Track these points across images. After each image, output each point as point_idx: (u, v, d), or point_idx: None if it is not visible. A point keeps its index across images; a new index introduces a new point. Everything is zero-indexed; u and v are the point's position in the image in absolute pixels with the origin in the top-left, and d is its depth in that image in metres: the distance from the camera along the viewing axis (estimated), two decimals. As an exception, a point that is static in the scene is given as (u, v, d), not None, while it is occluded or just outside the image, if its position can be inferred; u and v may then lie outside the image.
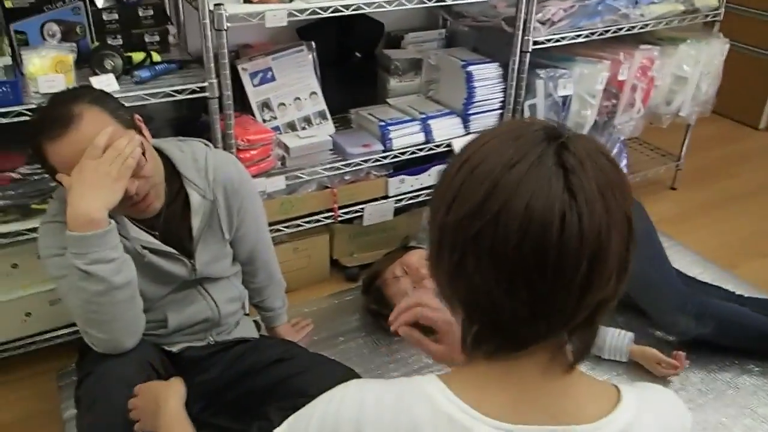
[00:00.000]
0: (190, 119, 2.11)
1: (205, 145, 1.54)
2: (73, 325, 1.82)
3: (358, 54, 2.41)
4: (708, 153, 3.22)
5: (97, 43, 1.77)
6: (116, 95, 1.63)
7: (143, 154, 1.33)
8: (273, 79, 2.09)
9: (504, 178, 0.62)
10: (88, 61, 1.69)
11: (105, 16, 1.82)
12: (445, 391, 0.67)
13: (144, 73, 1.71)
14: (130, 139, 1.29)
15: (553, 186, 0.62)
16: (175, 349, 1.55)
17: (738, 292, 2.11)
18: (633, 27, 2.37)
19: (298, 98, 2.14)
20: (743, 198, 2.92)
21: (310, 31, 2.27)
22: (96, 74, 1.66)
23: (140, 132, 1.36)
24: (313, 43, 2.18)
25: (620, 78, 2.38)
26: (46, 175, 1.66)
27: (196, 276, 1.52)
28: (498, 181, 0.63)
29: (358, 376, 1.63)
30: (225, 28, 1.69)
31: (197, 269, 1.51)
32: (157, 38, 1.90)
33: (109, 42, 1.81)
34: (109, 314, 1.32)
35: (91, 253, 1.26)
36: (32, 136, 1.29)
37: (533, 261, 0.61)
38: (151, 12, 1.88)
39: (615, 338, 1.87)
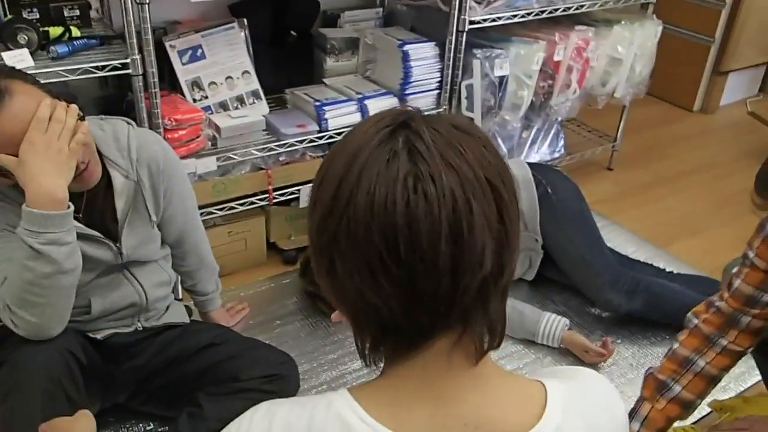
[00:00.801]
0: (116, 98, 2.03)
1: (128, 123, 1.48)
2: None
3: (293, 33, 2.37)
4: (644, 134, 3.29)
5: (10, 16, 1.68)
6: (31, 71, 1.55)
7: (81, 119, 1.27)
8: (203, 57, 2.02)
9: (348, 172, 0.59)
10: (-1, 36, 1.60)
11: (20, -11, 1.72)
12: (358, 410, 0.62)
13: (61, 49, 1.63)
14: (68, 109, 1.23)
15: (392, 168, 0.57)
16: (100, 336, 1.50)
17: (669, 269, 2.17)
18: (569, 8, 2.39)
19: (230, 77, 2.08)
20: (677, 178, 2.99)
21: (242, 8, 2.21)
22: (9, 49, 1.58)
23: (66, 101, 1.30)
24: (245, 20, 2.12)
25: (556, 59, 2.40)
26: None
27: (122, 260, 1.46)
28: (342, 177, 0.59)
29: (291, 360, 1.61)
30: (147, 1, 1.62)
31: (123, 253, 1.45)
32: (77, 12, 1.81)
33: (24, 16, 1.72)
34: (47, 298, 1.26)
35: (49, 234, 1.21)
36: None
37: (386, 250, 0.57)
38: (71, -16, 1.79)
39: (549, 324, 1.89)
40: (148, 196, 1.47)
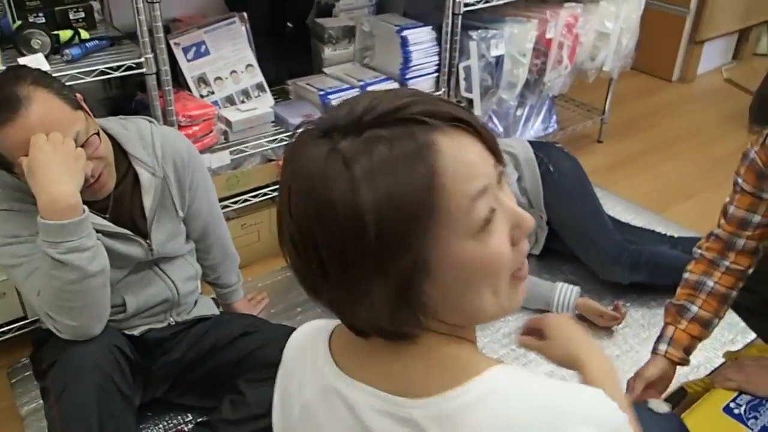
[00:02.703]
0: (123, 98, 2.04)
1: (149, 122, 1.50)
2: (21, 319, 1.75)
3: (289, 24, 2.39)
4: (628, 106, 3.38)
5: (19, 22, 1.68)
6: (49, 75, 1.57)
7: (97, 134, 1.29)
8: (207, 52, 2.04)
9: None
10: (12, 41, 1.60)
11: (25, -7, 1.72)
12: (325, 345, 0.73)
13: (75, 51, 1.64)
14: (79, 121, 1.26)
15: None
16: (136, 332, 1.52)
17: (669, 233, 2.25)
18: (557, -15, 2.45)
19: (235, 71, 2.10)
20: (665, 146, 3.09)
21: (239, 1, 2.22)
22: (23, 54, 1.58)
23: (86, 111, 1.32)
24: (245, 14, 2.13)
25: (548, 36, 2.46)
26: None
27: (153, 256, 1.49)
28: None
29: None
30: (158, 0, 1.64)
31: (154, 249, 1.48)
32: (82, 14, 1.81)
33: (31, 20, 1.72)
34: (81, 301, 1.28)
35: (67, 242, 1.22)
36: None
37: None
38: (74, -13, 1.79)
39: (562, 293, 1.96)
40: (175, 192, 1.50)
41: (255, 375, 1.52)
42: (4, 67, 1.53)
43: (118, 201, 1.43)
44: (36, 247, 1.28)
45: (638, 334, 1.95)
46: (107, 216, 1.41)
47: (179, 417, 1.68)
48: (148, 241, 1.47)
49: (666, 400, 1.55)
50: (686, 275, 1.50)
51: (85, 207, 1.25)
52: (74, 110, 1.27)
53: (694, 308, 1.46)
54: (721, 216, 1.46)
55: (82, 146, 1.27)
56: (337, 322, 0.72)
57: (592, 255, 2.07)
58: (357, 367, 0.68)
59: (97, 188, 1.34)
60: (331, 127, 0.61)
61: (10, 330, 1.75)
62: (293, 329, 1.55)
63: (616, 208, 2.49)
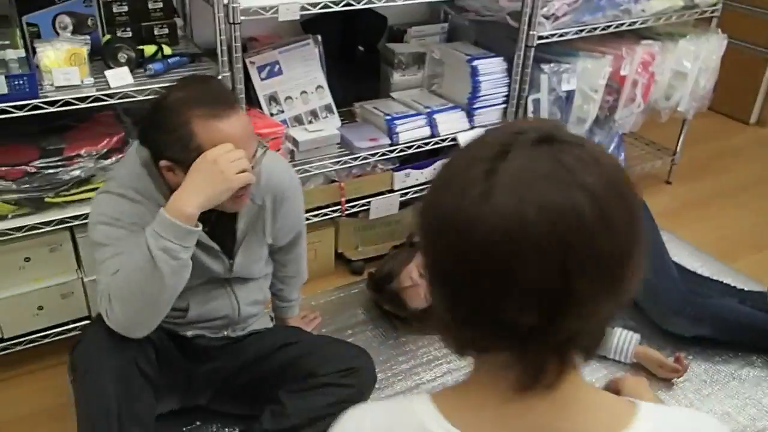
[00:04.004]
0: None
1: (263, 146, 1.46)
2: (85, 318, 1.82)
3: (361, 48, 2.42)
4: (701, 147, 3.27)
5: (108, 36, 1.76)
6: (131, 89, 1.64)
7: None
8: (280, 72, 2.09)
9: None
10: (100, 54, 1.68)
11: (115, 9, 1.81)
12: (436, 415, 0.65)
13: (157, 66, 1.71)
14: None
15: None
16: (188, 334, 1.56)
17: (738, 286, 2.16)
18: (634, 22, 2.41)
19: (305, 92, 2.15)
20: (737, 192, 2.97)
21: (314, 24, 2.27)
22: (110, 67, 1.66)
23: None
24: (319, 37, 2.18)
25: (622, 73, 2.41)
26: (60, 168, 1.67)
27: (231, 275, 1.53)
28: None
29: (365, 353, 1.63)
30: (239, 21, 1.69)
31: (234, 269, 1.52)
32: (166, 31, 1.89)
33: (119, 35, 1.80)
34: (143, 303, 1.31)
35: (168, 241, 1.26)
36: (176, 110, 1.27)
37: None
38: (160, 4, 1.87)
39: (621, 339, 1.89)
40: (268, 219, 1.54)
41: (295, 385, 1.54)
42: (92, 80, 1.61)
43: (218, 219, 1.46)
44: (129, 236, 1.33)
45: (699, 390, 1.87)
46: (206, 229, 1.43)
47: (227, 429, 1.70)
48: (231, 261, 1.51)
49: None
50: None
51: (199, 224, 1.30)
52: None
53: None
54: None
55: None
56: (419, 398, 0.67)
57: (653, 305, 1.99)
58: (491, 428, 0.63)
59: (239, 203, 1.39)
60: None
61: (75, 328, 1.82)
62: (334, 339, 1.54)
63: (682, 253, 2.40)
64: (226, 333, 1.61)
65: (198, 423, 1.69)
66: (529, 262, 0.56)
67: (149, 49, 1.76)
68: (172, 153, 1.29)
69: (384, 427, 0.67)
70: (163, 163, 1.31)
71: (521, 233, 0.56)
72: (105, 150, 1.72)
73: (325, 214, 2.16)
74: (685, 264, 2.27)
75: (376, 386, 1.85)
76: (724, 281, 2.19)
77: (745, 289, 2.14)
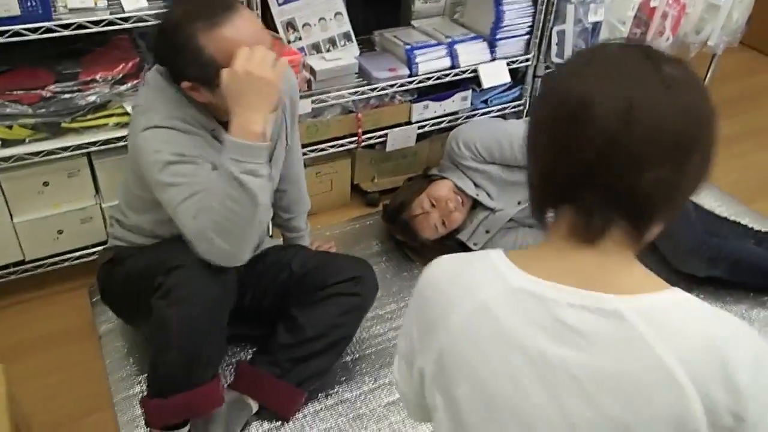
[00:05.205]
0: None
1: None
2: (105, 242, 1.85)
3: (382, -28, 2.34)
4: (729, 84, 3.16)
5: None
6: (146, 12, 1.61)
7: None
8: (298, -3, 2.03)
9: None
10: (114, -25, 1.63)
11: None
12: (503, 258, 0.79)
13: (170, -8, 1.66)
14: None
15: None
16: None
17: (756, 228, 2.14)
18: (669, -50, 2.29)
19: (323, 18, 2.09)
20: (763, 132, 2.89)
21: (334, -53, 2.18)
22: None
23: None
24: (339, -39, 2.10)
25: (652, 5, 2.31)
26: (76, 93, 1.66)
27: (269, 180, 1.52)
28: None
29: (366, 263, 1.66)
30: (255, -57, 1.63)
31: (272, 177, 1.52)
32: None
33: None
34: (243, 227, 1.30)
35: (249, 163, 1.26)
36: (180, 27, 1.25)
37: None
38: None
39: None
40: (289, 122, 1.56)
41: (305, 298, 1.57)
42: (106, 2, 1.57)
43: None
44: (198, 169, 1.31)
45: (708, 329, 1.88)
46: None
47: (245, 350, 1.75)
48: (270, 168, 1.48)
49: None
50: None
51: (267, 137, 1.30)
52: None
53: None
54: None
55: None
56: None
57: (668, 244, 1.99)
58: (550, 271, 0.75)
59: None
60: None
61: (95, 252, 1.85)
62: (336, 254, 1.62)
63: (701, 194, 2.37)
64: None
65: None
66: (598, 108, 0.70)
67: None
68: (189, 72, 1.28)
69: (459, 265, 0.82)
70: (184, 84, 1.30)
71: (598, 86, 0.71)
72: (120, 75, 1.70)
73: (342, 146, 2.14)
74: (704, 204, 2.25)
75: (389, 316, 1.90)
76: (742, 222, 2.17)
77: (763, 230, 2.12)
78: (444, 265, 0.84)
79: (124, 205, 1.56)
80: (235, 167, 1.25)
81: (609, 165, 0.70)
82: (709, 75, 2.82)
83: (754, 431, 0.70)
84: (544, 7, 2.19)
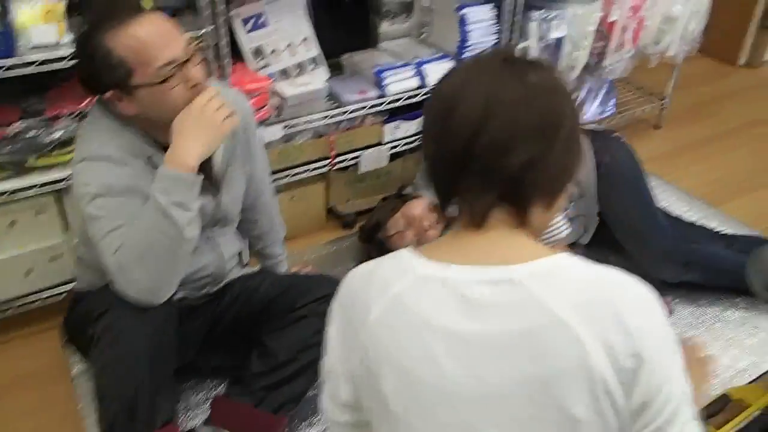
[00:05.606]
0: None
1: (217, 83, 1.53)
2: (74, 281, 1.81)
3: (347, -4, 2.35)
4: (690, 91, 3.25)
5: (84, -9, 1.69)
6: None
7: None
8: (266, 24, 2.03)
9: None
10: (77, 10, 1.62)
11: (89, -40, 1.73)
12: (411, 250, 0.85)
13: (136, 22, 1.64)
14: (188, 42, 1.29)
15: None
16: (175, 297, 1.54)
17: (724, 231, 2.18)
18: (625, -35, 2.35)
19: (291, 44, 2.09)
20: (727, 135, 2.97)
21: (298, -28, 2.19)
22: (87, 23, 1.59)
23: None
24: (305, -14, 2.11)
25: (611, 19, 2.37)
26: (42, 130, 1.63)
27: (220, 213, 1.51)
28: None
29: (337, 281, 1.63)
30: (220, -28, 1.63)
31: (223, 204, 1.50)
32: (144, -17, 1.82)
33: (95, -12, 1.73)
34: (166, 261, 1.28)
35: (179, 195, 1.25)
36: (89, 35, 1.24)
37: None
38: (137, -45, 1.79)
39: None
40: (242, 149, 1.53)
41: (275, 324, 1.55)
42: (72, 36, 1.55)
43: None
44: (126, 203, 1.29)
45: (685, 333, 1.90)
46: None
47: (214, 383, 1.71)
48: (218, 195, 1.48)
49: (708, 405, 1.53)
50: None
51: (200, 174, 1.29)
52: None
53: None
54: None
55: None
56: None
57: (641, 251, 2.01)
58: (449, 256, 0.81)
59: None
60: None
61: (64, 291, 1.81)
62: (305, 275, 1.68)
63: (670, 199, 2.42)
64: (206, 290, 1.60)
65: (193, 380, 1.70)
66: (461, 103, 0.78)
67: (127, 3, 1.69)
68: (105, 78, 1.26)
69: (371, 268, 0.87)
70: (107, 95, 1.28)
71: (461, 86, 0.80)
72: (86, 110, 1.68)
73: (315, 169, 2.14)
74: (674, 209, 2.29)
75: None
76: (711, 226, 2.22)
77: (731, 233, 2.17)
78: (357, 271, 0.90)
79: (80, 240, 1.52)
80: (164, 198, 1.24)
81: (476, 154, 0.78)
82: (671, 83, 2.89)
83: (652, 368, 0.75)
84: (508, 25, 2.23)
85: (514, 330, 0.76)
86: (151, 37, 1.23)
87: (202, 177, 1.29)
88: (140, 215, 1.27)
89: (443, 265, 0.81)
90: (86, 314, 1.38)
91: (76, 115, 1.67)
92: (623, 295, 0.77)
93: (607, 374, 0.74)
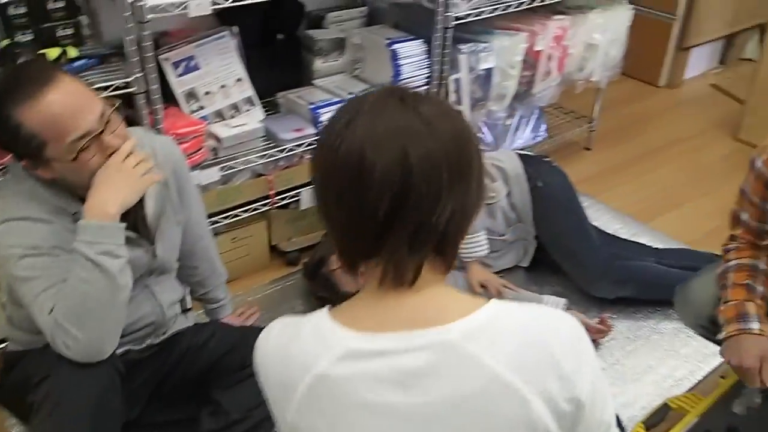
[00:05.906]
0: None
1: (145, 131, 1.52)
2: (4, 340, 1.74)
3: (280, 36, 2.38)
4: (616, 112, 3.40)
5: (6, 41, 1.66)
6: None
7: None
8: (197, 67, 2.03)
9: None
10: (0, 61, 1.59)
11: (11, 11, 1.70)
12: (325, 315, 0.80)
13: (63, 72, 1.63)
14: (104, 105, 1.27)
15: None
16: (117, 352, 1.51)
17: (655, 245, 2.28)
18: (546, -3, 2.46)
19: (224, 85, 2.10)
20: (653, 153, 3.11)
21: (229, 12, 2.20)
22: (11, 75, 1.57)
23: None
24: (236, 28, 2.13)
25: (537, 48, 2.47)
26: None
27: (155, 264, 1.48)
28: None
29: None
30: (147, 19, 1.63)
31: (158, 254, 1.47)
32: (70, 31, 1.80)
33: (18, 39, 1.70)
34: (103, 313, 1.25)
35: (104, 244, 1.23)
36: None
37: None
38: (62, 3, 1.77)
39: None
40: (174, 198, 1.51)
41: (226, 381, 1.53)
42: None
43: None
44: (55, 262, 1.26)
45: (623, 347, 1.98)
46: None
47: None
48: (152, 246, 1.46)
49: (649, 417, 1.58)
50: (737, 261, 1.46)
51: (124, 223, 1.28)
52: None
53: (760, 288, 1.43)
54: (734, 223, 1.47)
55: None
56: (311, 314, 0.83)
57: (577, 271, 2.10)
58: (374, 323, 0.77)
59: None
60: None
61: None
62: (258, 329, 1.63)
63: (603, 217, 2.52)
64: (149, 342, 1.57)
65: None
66: (377, 165, 0.72)
67: (52, 53, 1.67)
68: (17, 150, 1.25)
69: (287, 340, 0.81)
70: (23, 163, 1.27)
71: (370, 144, 0.73)
72: (8, 165, 1.63)
73: (256, 209, 2.14)
74: (606, 227, 2.38)
75: (320, 376, 1.87)
76: (643, 241, 2.32)
77: (662, 247, 2.27)
78: (272, 341, 0.83)
79: (8, 300, 1.46)
80: (90, 249, 1.23)
81: (404, 214, 0.73)
82: (597, 107, 3.02)
83: (592, 407, 0.76)
84: (439, 58, 2.30)
85: (456, 395, 0.74)
86: (63, 110, 1.20)
87: (124, 225, 1.28)
88: (70, 272, 1.24)
89: (370, 336, 0.76)
90: (25, 381, 1.34)
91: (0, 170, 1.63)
92: (556, 338, 0.76)
93: (548, 421, 0.74)
